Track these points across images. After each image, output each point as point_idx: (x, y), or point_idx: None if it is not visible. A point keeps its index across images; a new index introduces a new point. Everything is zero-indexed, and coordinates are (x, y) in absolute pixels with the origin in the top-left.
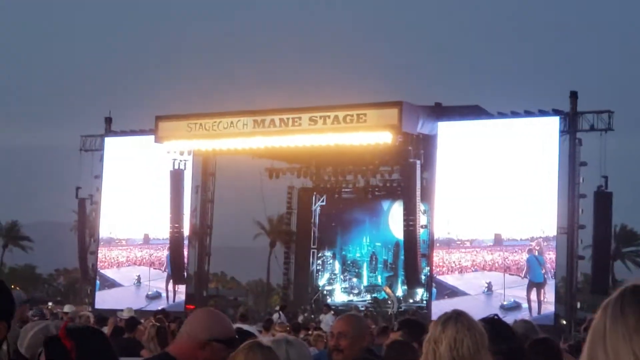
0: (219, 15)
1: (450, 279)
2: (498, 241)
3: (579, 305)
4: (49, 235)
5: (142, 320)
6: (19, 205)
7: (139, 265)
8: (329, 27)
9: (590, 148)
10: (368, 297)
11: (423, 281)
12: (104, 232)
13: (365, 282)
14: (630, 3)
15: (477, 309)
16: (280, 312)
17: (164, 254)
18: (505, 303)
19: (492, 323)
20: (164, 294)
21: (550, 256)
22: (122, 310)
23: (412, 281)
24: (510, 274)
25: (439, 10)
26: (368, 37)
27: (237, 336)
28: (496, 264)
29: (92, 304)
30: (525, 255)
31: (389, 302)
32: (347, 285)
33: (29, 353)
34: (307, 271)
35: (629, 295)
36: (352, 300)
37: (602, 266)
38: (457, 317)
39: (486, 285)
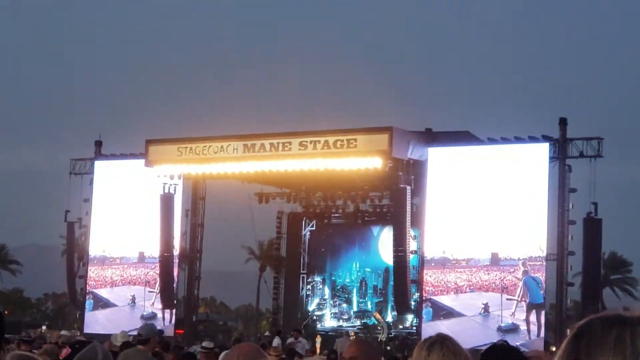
0: (213, 35)
1: (445, 300)
2: (495, 260)
3: (568, 332)
4: (38, 259)
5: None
6: (8, 228)
7: (134, 284)
8: (321, 39)
9: (579, 174)
10: (358, 322)
11: (413, 307)
12: (97, 251)
13: (355, 308)
14: (623, 29)
15: (473, 331)
16: (277, 337)
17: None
18: (502, 325)
19: (503, 349)
20: (159, 315)
21: (545, 277)
22: (111, 334)
23: (402, 307)
24: (507, 299)
25: (430, 34)
26: (361, 60)
27: None
28: (493, 285)
29: (81, 328)
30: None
31: (379, 327)
32: (337, 311)
33: None
34: (296, 296)
35: (573, 335)
36: (341, 326)
37: (592, 293)
38: (442, 342)
39: (482, 306)
